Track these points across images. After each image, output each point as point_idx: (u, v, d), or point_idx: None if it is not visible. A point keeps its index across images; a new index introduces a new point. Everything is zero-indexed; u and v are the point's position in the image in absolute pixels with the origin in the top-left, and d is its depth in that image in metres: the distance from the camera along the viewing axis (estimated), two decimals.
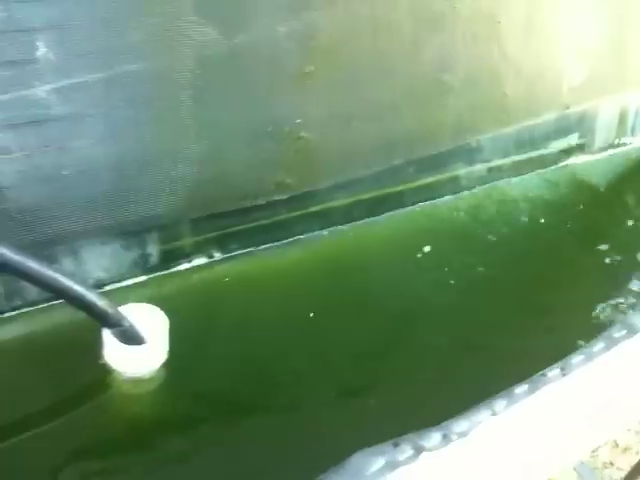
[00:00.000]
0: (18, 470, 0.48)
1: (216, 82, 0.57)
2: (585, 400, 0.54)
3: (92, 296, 0.48)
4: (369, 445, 0.46)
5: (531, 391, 0.52)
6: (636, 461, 1.23)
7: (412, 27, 0.66)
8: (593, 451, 1.73)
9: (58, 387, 0.52)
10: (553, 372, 0.53)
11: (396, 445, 0.47)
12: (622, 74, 0.89)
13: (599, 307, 0.67)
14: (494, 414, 0.50)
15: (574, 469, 1.38)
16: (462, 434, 0.48)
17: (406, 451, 0.46)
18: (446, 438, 0.48)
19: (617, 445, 1.80)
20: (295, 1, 0.58)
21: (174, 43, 0.54)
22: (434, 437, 0.47)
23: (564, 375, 0.54)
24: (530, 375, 0.53)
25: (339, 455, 0.45)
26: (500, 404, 0.50)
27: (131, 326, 0.51)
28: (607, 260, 0.75)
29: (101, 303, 0.49)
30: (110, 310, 0.50)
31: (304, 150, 0.64)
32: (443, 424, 0.48)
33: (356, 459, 0.45)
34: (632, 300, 0.71)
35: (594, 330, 0.60)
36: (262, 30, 0.57)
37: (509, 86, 0.76)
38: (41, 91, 0.50)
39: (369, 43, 0.65)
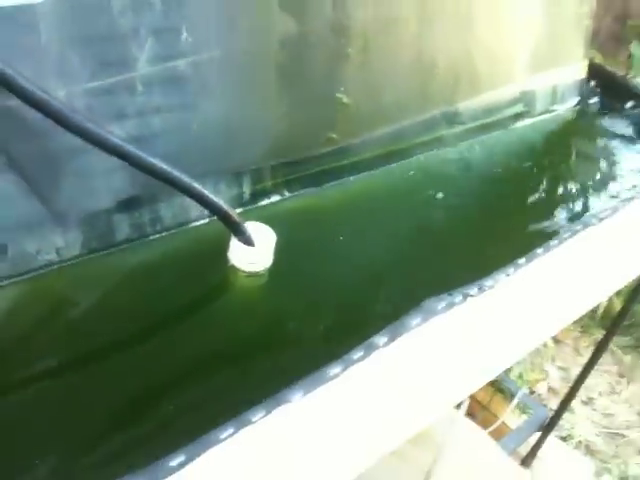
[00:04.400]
0: (158, 355, 0.62)
1: (291, 61, 0.74)
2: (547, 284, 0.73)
3: (230, 208, 0.65)
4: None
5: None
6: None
7: (417, 24, 0.87)
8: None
9: (196, 283, 0.67)
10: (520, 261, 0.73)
11: (450, 294, 0.66)
12: (554, 55, 1.12)
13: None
14: (508, 275, 0.70)
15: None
16: (490, 287, 0.69)
17: (457, 297, 0.66)
18: (481, 289, 0.68)
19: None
20: (338, 4, 0.77)
21: (268, 33, 0.72)
22: (473, 289, 0.68)
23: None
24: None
25: None
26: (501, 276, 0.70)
27: (250, 234, 0.69)
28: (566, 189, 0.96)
29: (234, 214, 0.66)
30: (239, 220, 0.67)
31: (345, 112, 0.82)
32: (477, 282, 0.68)
33: (427, 303, 0.65)
34: None
35: None
36: (319, 22, 0.76)
37: (479, 65, 0.97)
38: (181, 63, 0.66)
39: (387, 35, 0.84)
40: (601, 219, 0.81)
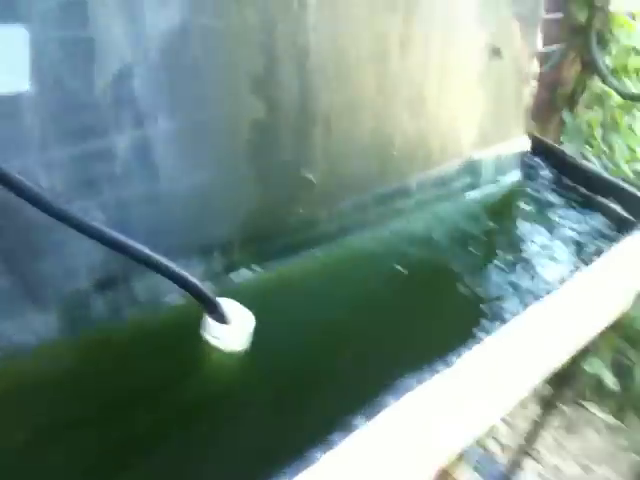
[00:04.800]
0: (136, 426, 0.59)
1: (260, 141, 0.76)
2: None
3: (202, 286, 0.66)
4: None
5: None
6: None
7: (375, 107, 0.91)
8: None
9: (172, 359, 0.67)
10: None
11: (420, 371, 0.68)
12: (497, 131, 1.19)
13: None
14: (470, 349, 0.73)
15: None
16: (456, 362, 0.71)
17: (427, 373, 0.69)
18: (448, 364, 0.70)
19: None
20: (304, 90, 0.81)
21: (239, 114, 0.75)
22: (440, 365, 0.70)
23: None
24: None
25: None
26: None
27: (225, 312, 0.70)
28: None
29: (207, 291, 0.67)
30: (212, 297, 0.68)
31: (310, 188, 0.85)
32: (443, 358, 0.70)
33: (400, 382, 0.67)
34: None
35: None
36: (287, 106, 0.79)
37: (431, 143, 1.03)
38: (157, 144, 0.67)
39: (349, 118, 0.86)
40: (548, 292, 0.85)
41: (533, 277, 0.94)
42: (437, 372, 0.67)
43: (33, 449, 0.54)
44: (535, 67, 1.24)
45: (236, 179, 0.76)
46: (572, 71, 2.21)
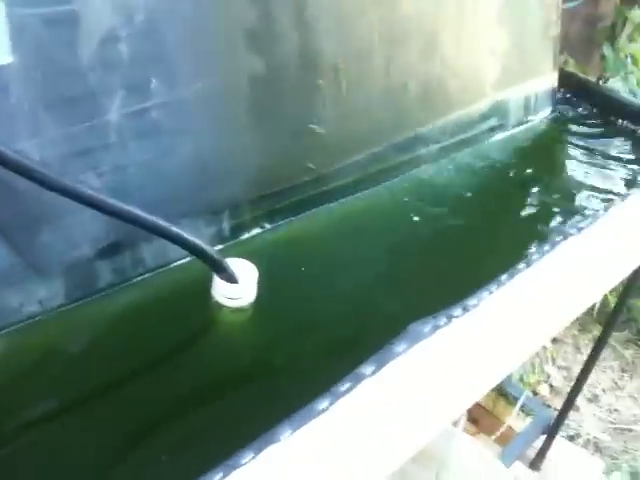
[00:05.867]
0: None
1: (262, 98, 0.74)
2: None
3: (209, 247, 0.65)
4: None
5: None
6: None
7: (385, 51, 0.87)
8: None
9: (180, 322, 0.65)
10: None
11: (434, 317, 0.65)
12: (523, 69, 1.13)
13: None
14: (491, 292, 0.70)
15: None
16: (474, 305, 0.68)
17: (441, 319, 0.65)
18: (465, 309, 0.67)
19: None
20: (304, 39, 0.77)
21: (236, 71, 0.72)
22: (457, 310, 0.67)
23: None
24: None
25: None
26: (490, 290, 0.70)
27: (232, 271, 0.68)
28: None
29: (213, 252, 0.65)
30: (220, 257, 0.66)
31: (320, 142, 0.82)
32: (460, 302, 0.67)
33: (412, 327, 0.64)
34: None
35: None
36: (287, 58, 0.76)
37: (450, 86, 0.98)
38: (153, 109, 0.66)
39: (356, 64, 0.82)
40: (580, 229, 0.80)
41: (565, 220, 0.89)
42: (454, 317, 0.63)
43: (46, 423, 0.54)
44: None
45: (240, 139, 0.74)
46: (611, 4, 2.08)
